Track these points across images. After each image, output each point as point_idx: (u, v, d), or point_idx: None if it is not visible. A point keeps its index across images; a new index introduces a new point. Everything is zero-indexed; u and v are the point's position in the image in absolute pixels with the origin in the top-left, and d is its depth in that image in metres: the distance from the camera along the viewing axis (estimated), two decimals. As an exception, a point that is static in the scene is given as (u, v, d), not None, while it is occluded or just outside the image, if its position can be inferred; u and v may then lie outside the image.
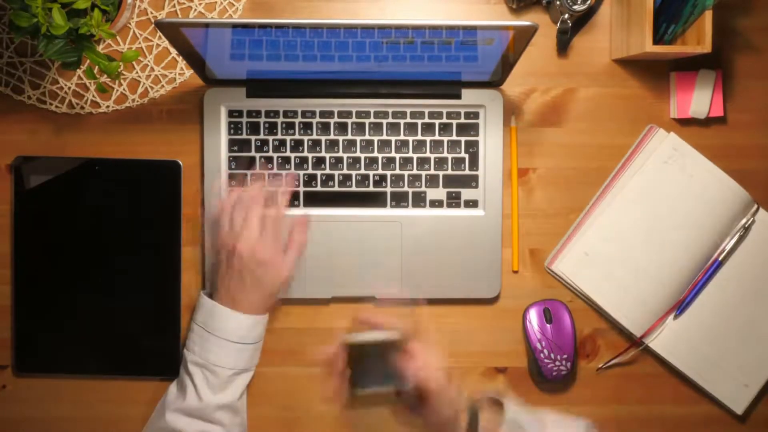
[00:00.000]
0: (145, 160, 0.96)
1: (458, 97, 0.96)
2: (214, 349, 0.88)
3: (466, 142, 0.96)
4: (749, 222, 0.97)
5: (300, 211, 0.95)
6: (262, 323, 0.91)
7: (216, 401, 0.88)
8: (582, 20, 0.98)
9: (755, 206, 0.97)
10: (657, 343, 0.97)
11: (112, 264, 0.96)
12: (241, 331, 0.88)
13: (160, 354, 0.96)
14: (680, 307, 0.97)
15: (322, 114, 0.96)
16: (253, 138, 0.96)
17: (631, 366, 0.99)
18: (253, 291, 0.88)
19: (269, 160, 0.96)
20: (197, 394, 0.87)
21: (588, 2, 0.93)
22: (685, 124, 0.99)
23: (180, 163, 0.96)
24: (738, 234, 0.97)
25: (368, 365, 0.81)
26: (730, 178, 0.96)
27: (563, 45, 0.98)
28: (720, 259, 0.97)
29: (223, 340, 0.88)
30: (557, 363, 0.96)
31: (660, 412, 0.99)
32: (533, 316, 0.97)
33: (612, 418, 0.99)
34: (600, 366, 0.98)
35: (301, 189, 0.96)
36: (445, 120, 0.96)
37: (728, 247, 0.97)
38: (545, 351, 0.96)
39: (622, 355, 0.98)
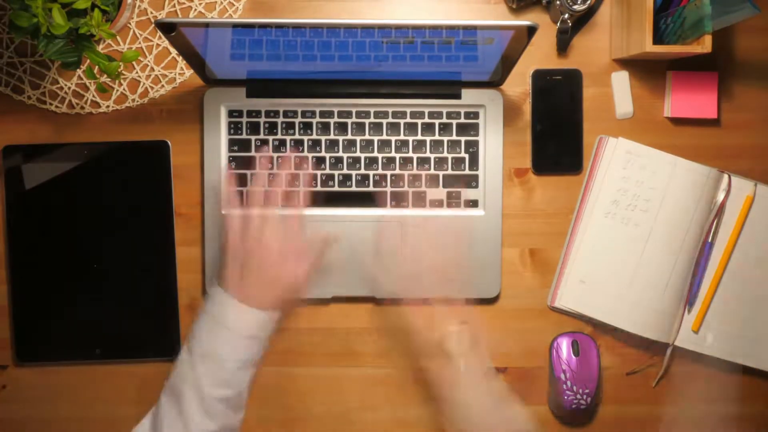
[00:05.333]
0: (131, 142, 0.96)
1: (458, 97, 0.96)
2: (223, 342, 0.86)
3: (466, 142, 0.96)
4: (724, 194, 0.96)
5: (300, 210, 0.95)
6: (274, 320, 0.89)
7: (218, 394, 0.87)
8: (582, 20, 0.98)
9: (726, 177, 0.96)
10: (682, 340, 0.96)
11: (107, 251, 0.96)
12: (252, 328, 0.86)
13: (158, 340, 0.97)
14: (690, 300, 0.97)
15: (322, 114, 0.96)
16: (253, 138, 0.96)
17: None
18: (270, 288, 0.87)
19: (269, 159, 0.96)
20: (198, 387, 0.86)
21: (588, 2, 0.93)
22: (678, 123, 0.98)
23: (168, 142, 0.96)
24: (717, 210, 0.96)
25: None
26: (688, 160, 0.96)
27: (563, 45, 0.98)
28: (710, 240, 0.96)
29: (235, 333, 0.86)
30: (578, 396, 0.95)
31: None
32: (562, 346, 0.96)
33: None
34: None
35: (301, 189, 0.96)
36: (445, 120, 0.96)
37: (713, 226, 0.96)
38: (568, 382, 0.95)
39: (653, 365, 0.98)
